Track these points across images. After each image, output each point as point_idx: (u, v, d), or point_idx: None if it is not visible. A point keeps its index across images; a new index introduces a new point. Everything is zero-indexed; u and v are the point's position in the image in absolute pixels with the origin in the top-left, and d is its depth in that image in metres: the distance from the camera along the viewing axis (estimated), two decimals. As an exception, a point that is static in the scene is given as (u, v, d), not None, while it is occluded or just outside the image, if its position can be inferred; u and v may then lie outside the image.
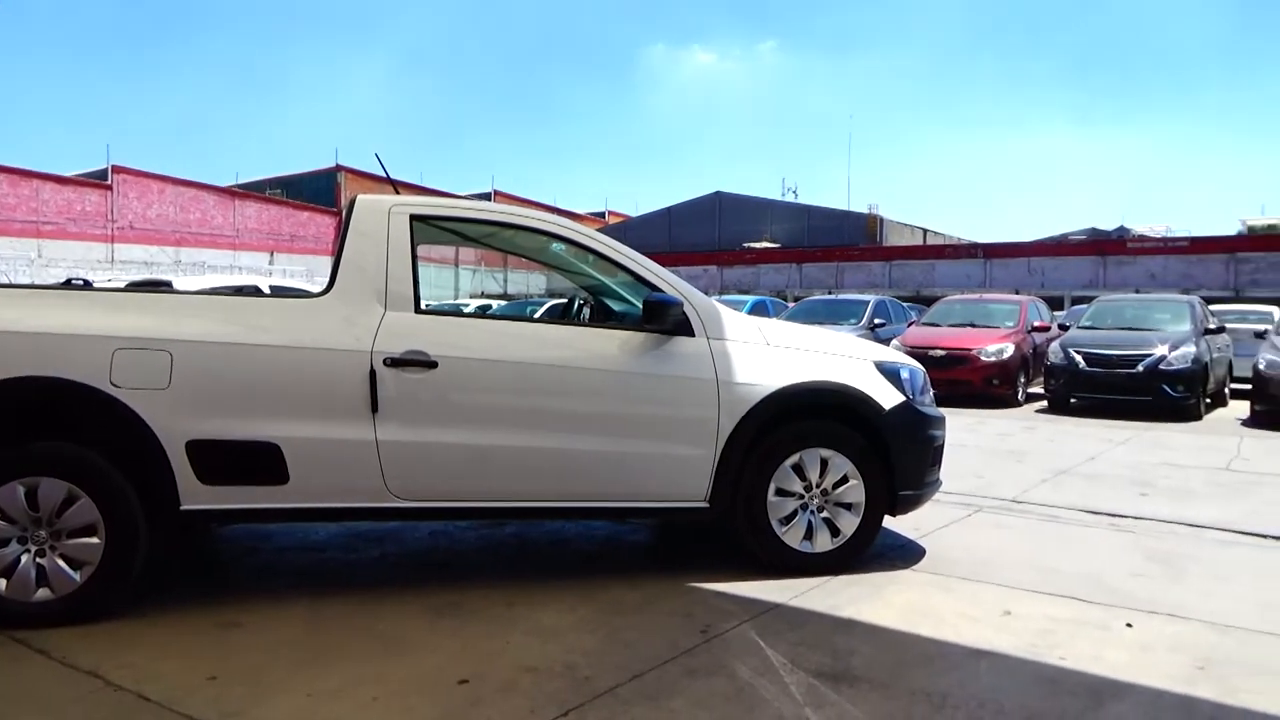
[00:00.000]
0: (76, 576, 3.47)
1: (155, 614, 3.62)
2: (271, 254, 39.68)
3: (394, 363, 3.75)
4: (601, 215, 55.79)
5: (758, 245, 40.14)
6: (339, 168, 44.15)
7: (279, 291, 9.38)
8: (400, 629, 3.55)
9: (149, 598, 3.75)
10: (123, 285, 8.91)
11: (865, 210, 41.88)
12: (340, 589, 4.11)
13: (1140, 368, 11.31)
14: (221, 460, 3.62)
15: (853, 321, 14.67)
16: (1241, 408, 11.91)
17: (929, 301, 17.77)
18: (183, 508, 3.60)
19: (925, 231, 44.52)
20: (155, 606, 3.69)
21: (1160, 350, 11.30)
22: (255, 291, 8.13)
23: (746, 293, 29.59)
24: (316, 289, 4.17)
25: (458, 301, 32.29)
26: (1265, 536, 5.19)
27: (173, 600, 3.82)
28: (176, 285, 8.46)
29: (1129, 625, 3.67)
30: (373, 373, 3.73)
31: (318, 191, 43.53)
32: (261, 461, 3.65)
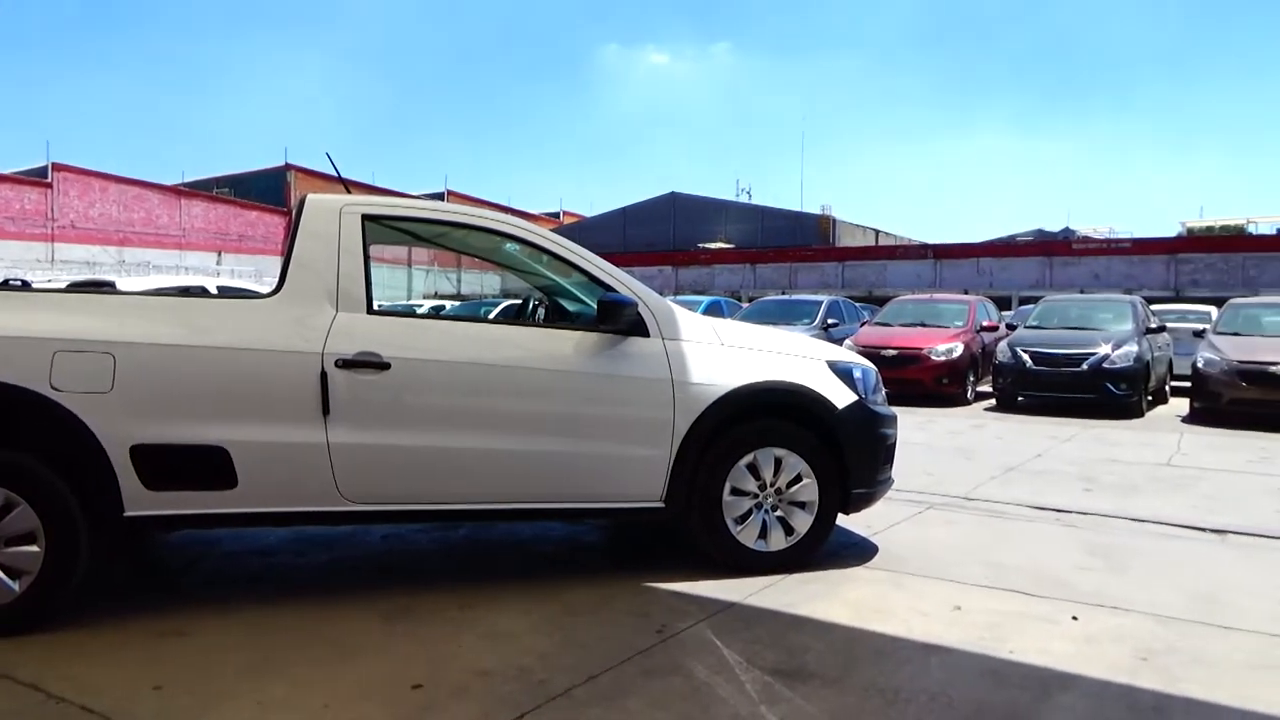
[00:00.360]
0: (15, 586, 3.36)
1: (98, 623, 3.53)
2: (219, 254, 38.94)
3: (346, 364, 3.70)
4: (556, 215, 55.65)
5: (712, 246, 40.35)
6: (288, 166, 43.48)
7: (227, 292, 9.20)
8: (352, 634, 3.50)
9: (92, 606, 3.66)
10: (63, 285, 8.67)
11: (818, 211, 42.35)
12: (291, 594, 4.04)
13: (1085, 366, 11.57)
14: (167, 465, 3.54)
15: (806, 322, 14.80)
16: (1181, 405, 12.23)
17: (881, 301, 18.01)
18: (127, 514, 3.51)
19: (877, 232, 45.11)
20: (98, 615, 3.60)
21: (1104, 349, 11.58)
22: (202, 292, 7.97)
23: (701, 293, 29.72)
24: (266, 290, 4.11)
25: (411, 302, 31.98)
26: (1204, 530, 5.34)
27: (116, 609, 3.72)
28: (120, 286, 8.26)
29: (1074, 618, 3.75)
30: (324, 374, 3.67)
31: (267, 190, 42.81)
32: (209, 466, 3.58)
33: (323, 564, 4.57)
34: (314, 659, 3.24)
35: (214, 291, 9.14)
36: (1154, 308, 14.56)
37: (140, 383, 3.50)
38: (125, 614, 3.66)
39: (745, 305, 18.90)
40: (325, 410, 3.67)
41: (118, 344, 3.49)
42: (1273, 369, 10.46)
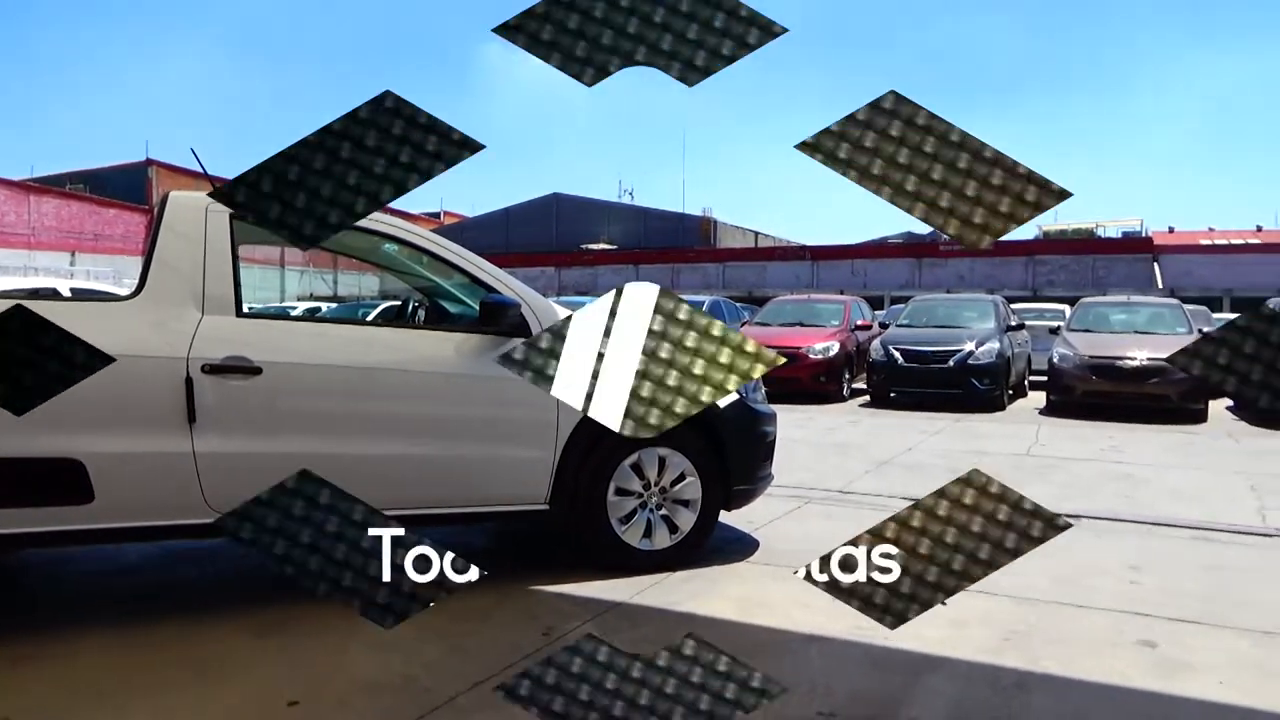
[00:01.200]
0: None
1: (-63, 652, 3.27)
2: (73, 254, 36.61)
3: (213, 369, 3.54)
4: (437, 215, 54.65)
5: (595, 246, 40.48)
6: (150, 162, 41.31)
7: (82, 295, 8.68)
8: (223, 652, 3.34)
9: (-71, 635, 3.38)
10: (-107, 288, 8.00)
11: (700, 213, 43.00)
12: (156, 613, 3.83)
13: (951, 363, 12.13)
14: (14, 480, 3.31)
15: (689, 322, 14.97)
16: (1039, 398, 12.96)
17: (761, 302, 18.42)
18: (-32, 533, 3.27)
19: (757, 234, 46.12)
20: (-63, 644, 3.33)
21: (968, 346, 12.17)
22: (54, 294, 7.51)
23: (585, 294, 29.73)
24: (125, 292, 3.89)
25: (284, 305, 30.87)
26: (1061, 515, 5.66)
27: (-42, 636, 3.45)
28: (-41, 288, 7.68)
29: (944, 603, 3.91)
30: (189, 380, 3.50)
31: (126, 187, 40.53)
32: (61, 479, 3.35)
33: (191, 580, 4.35)
34: (180, 681, 3.08)
35: (67, 294, 8.61)
36: (1014, 306, 15.39)
37: (-18, 392, 3.25)
38: (-32, 641, 3.40)
39: (629, 306, 18.97)
40: (191, 418, 3.50)
41: (-44, 351, 3.23)
42: (1120, 363, 11.21)
